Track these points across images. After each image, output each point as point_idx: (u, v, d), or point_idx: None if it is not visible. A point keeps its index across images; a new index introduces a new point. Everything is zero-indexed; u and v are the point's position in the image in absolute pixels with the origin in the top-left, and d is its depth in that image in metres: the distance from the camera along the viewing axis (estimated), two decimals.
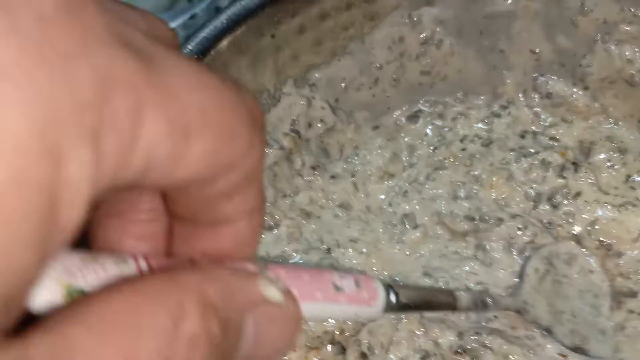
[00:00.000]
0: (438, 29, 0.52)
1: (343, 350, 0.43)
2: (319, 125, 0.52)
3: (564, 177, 0.51)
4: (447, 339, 0.43)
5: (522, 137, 0.54)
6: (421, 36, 0.53)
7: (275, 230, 0.48)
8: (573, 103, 0.54)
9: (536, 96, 0.54)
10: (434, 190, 0.52)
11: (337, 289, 0.25)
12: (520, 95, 0.54)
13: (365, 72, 0.53)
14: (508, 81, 0.55)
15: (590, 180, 0.51)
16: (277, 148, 0.49)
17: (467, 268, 0.48)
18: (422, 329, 0.43)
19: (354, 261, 0.48)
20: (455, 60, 0.54)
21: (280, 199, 0.50)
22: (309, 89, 0.51)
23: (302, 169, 0.51)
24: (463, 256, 0.48)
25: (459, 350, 0.43)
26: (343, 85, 0.52)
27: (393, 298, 0.29)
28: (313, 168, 0.52)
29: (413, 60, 0.54)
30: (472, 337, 0.43)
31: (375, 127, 0.54)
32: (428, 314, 0.44)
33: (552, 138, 0.53)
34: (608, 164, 0.52)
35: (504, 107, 0.55)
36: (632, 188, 0.51)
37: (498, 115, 0.54)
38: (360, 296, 0.26)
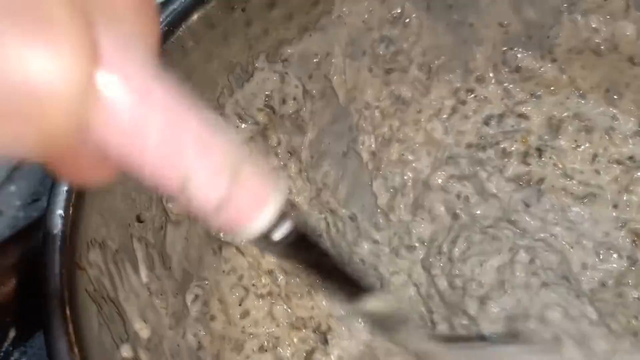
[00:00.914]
0: (407, 4, 0.53)
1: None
2: (292, 102, 0.52)
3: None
4: None
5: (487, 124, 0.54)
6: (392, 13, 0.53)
7: None
8: (542, 76, 0.55)
9: (505, 70, 0.55)
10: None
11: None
12: (490, 69, 0.55)
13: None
14: (478, 56, 0.55)
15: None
16: (252, 123, 0.49)
17: None
18: None
19: None
20: (425, 35, 0.54)
21: None
22: (281, 64, 0.51)
23: (278, 147, 0.51)
24: None
25: None
26: (315, 61, 0.52)
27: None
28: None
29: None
30: None
31: None
32: None
33: (521, 115, 0.54)
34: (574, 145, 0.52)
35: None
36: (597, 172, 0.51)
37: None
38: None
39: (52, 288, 0.30)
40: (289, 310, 0.43)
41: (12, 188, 0.55)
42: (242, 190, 0.18)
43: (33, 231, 0.46)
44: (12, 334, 0.44)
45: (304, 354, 0.42)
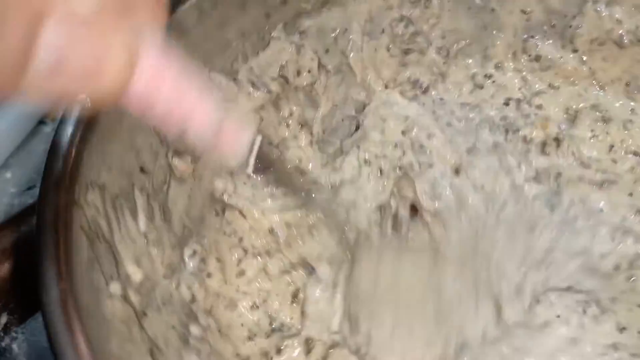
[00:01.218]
0: None
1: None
2: (306, 74, 0.52)
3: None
4: None
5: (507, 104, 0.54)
6: None
7: None
8: (562, 66, 0.54)
9: (525, 59, 0.54)
10: None
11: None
12: (509, 56, 0.55)
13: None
14: (498, 42, 0.55)
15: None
16: (265, 91, 0.49)
17: None
18: None
19: None
20: (446, 18, 0.54)
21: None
22: (298, 36, 0.51)
23: (289, 118, 0.51)
24: None
25: None
26: (333, 35, 0.52)
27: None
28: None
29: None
30: None
31: None
32: None
33: (538, 107, 0.54)
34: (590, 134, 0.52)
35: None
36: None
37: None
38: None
39: (47, 220, 0.31)
40: (283, 259, 0.44)
41: (8, 175, 0.56)
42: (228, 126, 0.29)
43: (27, 217, 0.46)
44: (3, 319, 0.44)
45: (290, 298, 0.42)
